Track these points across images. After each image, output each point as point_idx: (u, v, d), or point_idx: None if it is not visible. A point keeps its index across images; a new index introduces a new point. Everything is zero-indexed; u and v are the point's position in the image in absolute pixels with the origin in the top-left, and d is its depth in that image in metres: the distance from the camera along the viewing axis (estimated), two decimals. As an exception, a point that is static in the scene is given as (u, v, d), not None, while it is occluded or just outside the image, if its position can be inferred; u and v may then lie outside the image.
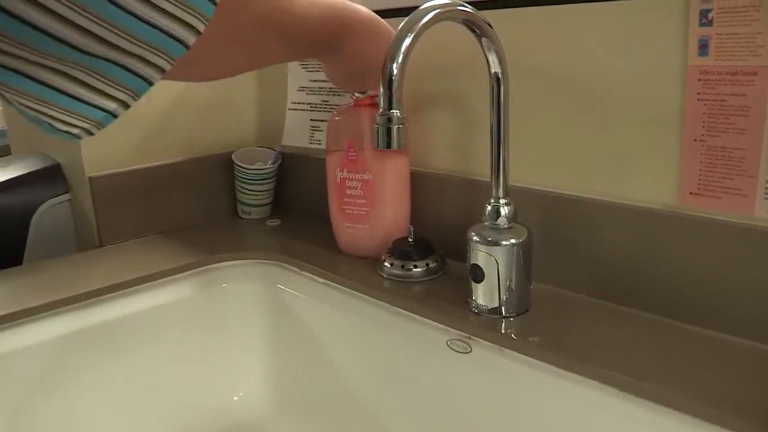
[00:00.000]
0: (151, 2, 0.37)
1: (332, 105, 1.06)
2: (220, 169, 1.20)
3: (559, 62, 0.77)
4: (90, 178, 1.06)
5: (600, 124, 0.75)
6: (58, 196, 1.11)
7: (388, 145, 0.59)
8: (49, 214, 1.10)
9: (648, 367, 0.62)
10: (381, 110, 0.59)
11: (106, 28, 0.35)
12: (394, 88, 0.59)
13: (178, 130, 1.15)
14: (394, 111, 0.59)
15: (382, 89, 0.59)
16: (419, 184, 0.94)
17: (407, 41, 0.60)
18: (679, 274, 0.70)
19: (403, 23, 0.61)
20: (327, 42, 0.75)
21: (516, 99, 0.75)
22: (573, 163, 0.78)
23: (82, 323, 0.87)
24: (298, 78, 1.12)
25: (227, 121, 1.22)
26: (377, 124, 0.59)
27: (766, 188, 0.63)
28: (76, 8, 0.34)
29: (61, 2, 0.33)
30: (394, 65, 0.59)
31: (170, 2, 0.37)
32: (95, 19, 0.35)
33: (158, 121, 1.13)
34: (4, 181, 1.07)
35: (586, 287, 0.78)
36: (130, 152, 1.10)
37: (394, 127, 0.59)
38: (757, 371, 0.61)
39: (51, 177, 1.13)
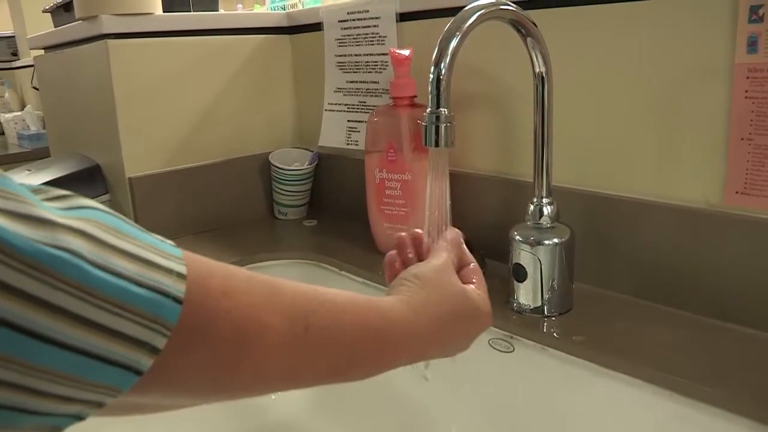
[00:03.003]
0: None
1: (369, 106, 1.07)
2: (257, 170, 1.21)
3: (602, 61, 0.77)
4: (129, 179, 1.08)
5: (643, 122, 0.75)
6: (99, 196, 1.13)
7: (437, 143, 0.59)
8: (90, 214, 1.11)
9: (694, 367, 0.62)
10: (429, 109, 0.60)
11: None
12: (442, 88, 0.60)
13: (216, 131, 1.16)
14: (442, 109, 0.59)
15: (430, 88, 0.60)
16: (458, 184, 0.94)
17: (455, 42, 0.61)
18: (725, 274, 0.70)
19: (450, 23, 0.62)
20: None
21: (559, 98, 0.75)
22: (616, 162, 0.78)
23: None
24: (335, 79, 1.13)
25: (264, 123, 1.23)
26: (425, 122, 0.60)
27: (815, 187, 0.63)
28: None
29: None
30: (442, 65, 0.60)
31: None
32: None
33: (196, 123, 1.14)
34: (45, 183, 1.09)
35: (629, 287, 0.78)
36: (168, 153, 1.12)
37: (442, 125, 0.59)
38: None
39: (91, 178, 1.15)
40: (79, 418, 0.29)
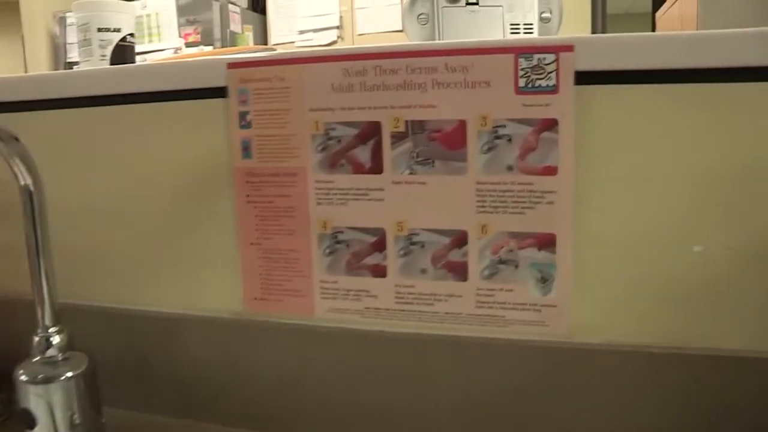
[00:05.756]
0: None
1: None
2: None
3: (94, 162, 0.71)
4: None
5: (160, 233, 0.70)
6: None
7: None
8: None
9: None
10: None
11: None
12: None
13: None
14: None
15: None
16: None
17: None
18: (259, 382, 0.67)
19: None
20: None
21: (67, 210, 0.67)
22: (143, 277, 0.72)
23: None
24: None
25: None
26: None
27: (321, 288, 0.63)
28: None
29: None
30: None
31: None
32: None
33: None
34: None
35: (169, 407, 0.72)
36: None
37: None
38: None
39: None
40: None
